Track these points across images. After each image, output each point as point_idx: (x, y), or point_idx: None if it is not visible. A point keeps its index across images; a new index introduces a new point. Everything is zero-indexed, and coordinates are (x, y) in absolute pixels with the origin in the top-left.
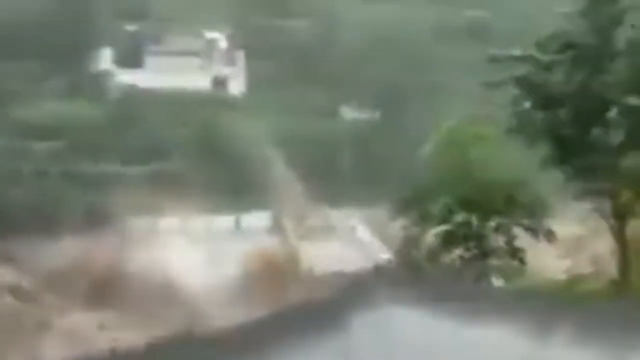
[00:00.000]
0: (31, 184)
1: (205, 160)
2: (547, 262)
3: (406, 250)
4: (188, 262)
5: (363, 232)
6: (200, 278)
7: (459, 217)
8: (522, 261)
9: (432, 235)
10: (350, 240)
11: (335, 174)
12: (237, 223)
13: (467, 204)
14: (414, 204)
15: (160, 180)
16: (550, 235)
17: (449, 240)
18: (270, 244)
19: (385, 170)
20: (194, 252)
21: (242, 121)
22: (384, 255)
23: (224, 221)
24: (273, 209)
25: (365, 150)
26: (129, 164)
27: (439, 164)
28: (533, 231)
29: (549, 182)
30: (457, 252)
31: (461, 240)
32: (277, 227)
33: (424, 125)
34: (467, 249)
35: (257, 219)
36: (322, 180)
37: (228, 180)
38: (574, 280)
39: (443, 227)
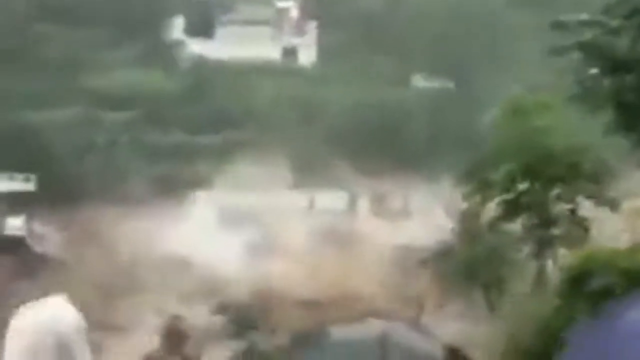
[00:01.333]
0: (103, 153)
1: (277, 130)
2: (611, 231)
3: (468, 219)
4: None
5: (434, 208)
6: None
7: (522, 186)
8: (585, 229)
9: (494, 203)
10: (422, 217)
11: (406, 142)
12: (311, 202)
13: (530, 172)
14: (477, 172)
15: (231, 150)
16: (614, 204)
17: (511, 209)
18: (341, 223)
19: (455, 139)
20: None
21: (314, 91)
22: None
23: (298, 199)
24: (349, 189)
25: (436, 119)
26: (200, 133)
27: (502, 132)
28: (597, 199)
29: (613, 149)
30: (520, 220)
31: (524, 208)
32: (352, 207)
33: (495, 94)
34: (530, 218)
35: (332, 199)
36: (393, 149)
37: (300, 150)
38: (638, 249)
39: (505, 196)
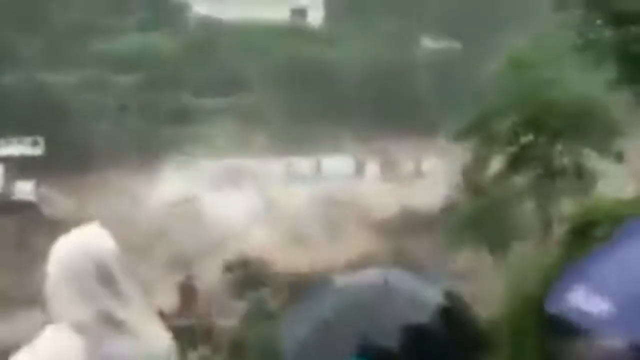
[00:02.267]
0: (111, 116)
1: (285, 92)
2: (616, 182)
3: (473, 172)
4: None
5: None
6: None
7: (526, 138)
8: (589, 181)
9: (498, 157)
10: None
11: (415, 103)
12: (318, 166)
13: (535, 125)
14: (481, 125)
15: (239, 112)
16: (619, 156)
17: (515, 162)
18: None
19: (462, 97)
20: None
21: (322, 52)
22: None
23: (304, 163)
24: (357, 152)
25: (445, 79)
26: (207, 96)
27: (506, 85)
28: (601, 152)
29: (618, 102)
30: (524, 173)
31: (528, 161)
32: (359, 172)
33: (501, 51)
34: (534, 170)
35: (338, 164)
36: (402, 109)
37: (308, 111)
38: None
39: (510, 149)
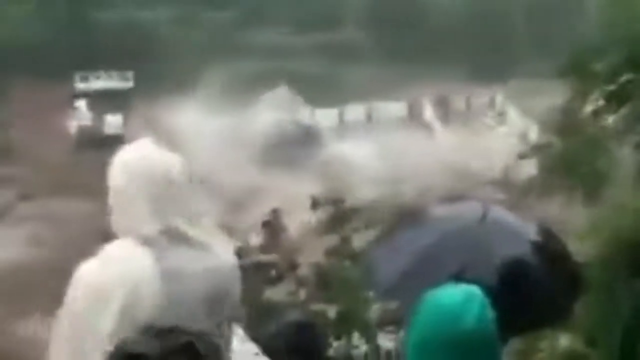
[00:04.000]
0: (201, 52)
1: (380, 30)
2: None
3: (569, 111)
4: None
5: (513, 115)
6: None
7: (626, 76)
8: None
9: (595, 95)
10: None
11: (506, 43)
12: (369, 114)
13: (635, 63)
14: (579, 63)
15: (330, 50)
16: None
17: (613, 101)
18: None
19: (558, 37)
20: None
21: None
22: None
23: (354, 111)
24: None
25: (537, 18)
26: (297, 33)
27: (606, 22)
28: None
29: None
30: (622, 112)
31: (627, 100)
32: (412, 116)
33: None
34: (633, 109)
35: (391, 109)
36: (492, 52)
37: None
38: None
39: (608, 87)
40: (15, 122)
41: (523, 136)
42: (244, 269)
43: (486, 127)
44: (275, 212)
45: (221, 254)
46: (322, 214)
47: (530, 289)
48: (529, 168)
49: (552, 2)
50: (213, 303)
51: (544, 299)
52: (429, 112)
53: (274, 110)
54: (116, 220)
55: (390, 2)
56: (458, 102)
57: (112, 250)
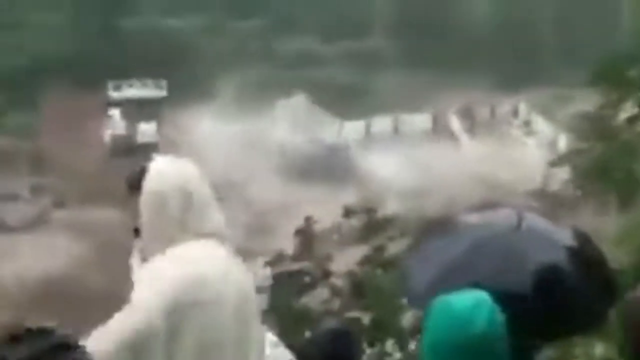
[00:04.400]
0: (232, 60)
1: (405, 39)
2: None
3: (603, 117)
4: None
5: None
6: None
7: None
8: None
9: (632, 101)
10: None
11: (537, 50)
12: (395, 126)
13: None
14: (612, 71)
15: (357, 58)
16: None
17: None
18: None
19: (588, 45)
20: None
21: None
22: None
23: (381, 123)
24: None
25: (568, 26)
26: (327, 41)
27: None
28: None
29: None
30: None
31: None
32: (438, 128)
33: None
34: None
35: (417, 121)
36: (520, 60)
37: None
38: None
39: None
40: (49, 131)
41: (552, 145)
42: (277, 276)
43: (512, 137)
44: (308, 221)
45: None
46: (355, 223)
47: (565, 296)
48: (561, 176)
49: (581, 11)
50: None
51: (578, 305)
52: (455, 124)
53: (290, 119)
54: (148, 227)
55: (418, 11)
56: (483, 112)
57: (190, 251)
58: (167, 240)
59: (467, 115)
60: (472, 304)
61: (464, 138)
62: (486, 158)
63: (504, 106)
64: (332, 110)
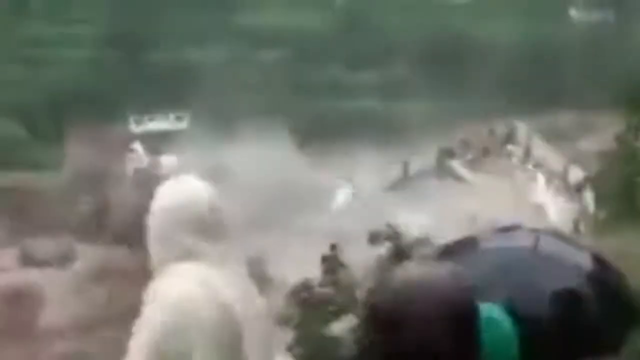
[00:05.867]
0: (256, 91)
1: (434, 67)
2: None
3: (628, 141)
4: None
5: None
6: None
7: None
8: None
9: None
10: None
11: (563, 76)
12: (405, 170)
13: None
14: (631, 94)
15: (387, 86)
16: None
17: None
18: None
19: (616, 72)
20: None
21: (469, 24)
22: None
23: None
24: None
25: (595, 53)
26: (356, 70)
27: None
28: None
29: None
30: None
31: None
32: (441, 169)
33: None
34: None
35: (422, 163)
36: (548, 82)
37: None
38: None
39: None
40: (73, 163)
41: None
42: (303, 302)
43: (514, 169)
44: (334, 248)
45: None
46: (382, 250)
47: (581, 320)
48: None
49: (599, 35)
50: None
51: (595, 329)
52: (455, 163)
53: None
54: (153, 246)
55: (440, 39)
56: (483, 143)
57: (192, 272)
58: (172, 258)
59: (465, 149)
60: (482, 316)
61: (467, 176)
62: (488, 196)
63: (502, 137)
64: (363, 139)
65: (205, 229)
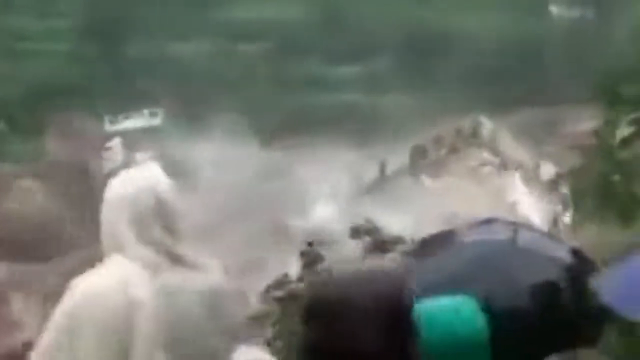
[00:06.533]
0: (238, 85)
1: (415, 61)
2: None
3: (601, 136)
4: None
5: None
6: None
7: None
8: None
9: (626, 121)
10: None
11: (542, 71)
12: (382, 169)
13: None
14: (607, 89)
15: (368, 81)
16: None
17: None
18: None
19: (594, 68)
20: None
21: (449, 18)
22: None
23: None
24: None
25: (574, 49)
26: (336, 64)
27: (638, 46)
28: None
29: None
30: None
31: None
32: (413, 168)
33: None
34: None
35: (397, 162)
36: (528, 78)
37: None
38: None
39: (637, 114)
40: (48, 159)
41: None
42: (280, 299)
43: (485, 166)
44: (312, 242)
45: (211, 272)
46: (361, 244)
47: (559, 313)
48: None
49: (578, 32)
50: (213, 319)
51: (572, 322)
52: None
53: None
54: (105, 238)
55: (421, 34)
56: (453, 140)
57: (109, 267)
58: (110, 249)
59: (440, 144)
60: (454, 307)
61: (427, 180)
62: (452, 195)
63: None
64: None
65: (148, 224)
